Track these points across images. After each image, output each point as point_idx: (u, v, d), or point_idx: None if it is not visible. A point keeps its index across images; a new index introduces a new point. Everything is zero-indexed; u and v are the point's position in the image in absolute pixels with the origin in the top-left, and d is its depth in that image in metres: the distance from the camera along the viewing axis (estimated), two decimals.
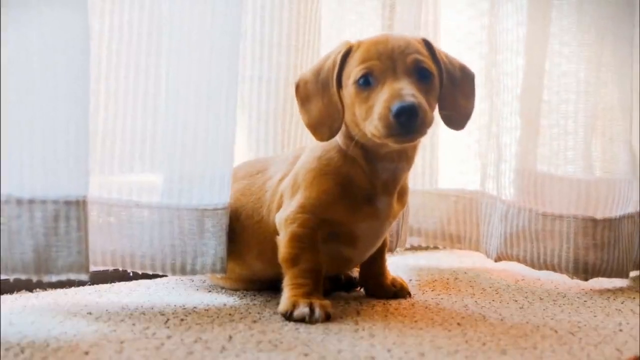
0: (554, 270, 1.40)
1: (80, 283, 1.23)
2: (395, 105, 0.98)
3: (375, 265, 1.23)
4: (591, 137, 1.42)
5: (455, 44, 1.60)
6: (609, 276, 1.39)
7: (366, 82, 1.04)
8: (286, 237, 1.09)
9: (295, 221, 1.09)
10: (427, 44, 1.10)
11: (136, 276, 1.27)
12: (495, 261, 1.46)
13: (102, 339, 0.93)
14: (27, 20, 0.97)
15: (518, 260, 1.43)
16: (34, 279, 0.99)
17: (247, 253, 1.18)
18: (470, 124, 1.54)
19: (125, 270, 1.19)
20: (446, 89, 1.09)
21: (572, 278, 1.39)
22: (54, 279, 0.99)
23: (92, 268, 1.19)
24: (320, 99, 1.09)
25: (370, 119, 1.02)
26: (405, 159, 1.11)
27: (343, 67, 1.08)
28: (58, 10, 0.98)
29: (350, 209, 1.10)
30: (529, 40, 1.43)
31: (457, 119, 1.12)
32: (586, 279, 1.38)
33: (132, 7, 1.14)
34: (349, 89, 1.06)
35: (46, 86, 0.98)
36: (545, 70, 1.43)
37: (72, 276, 1.00)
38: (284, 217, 1.10)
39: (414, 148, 1.12)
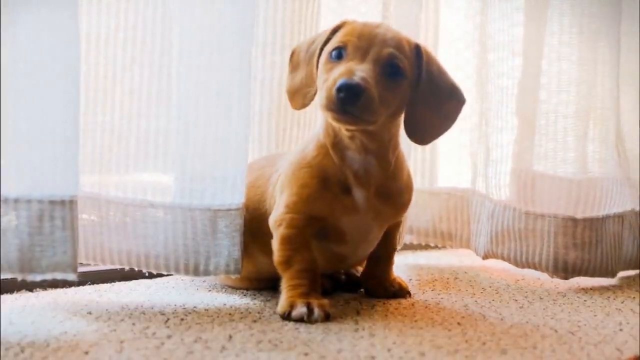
0: (535, 268, 1.41)
1: (80, 283, 1.23)
2: (340, 81, 0.99)
3: (379, 266, 1.23)
4: (582, 137, 1.43)
5: (455, 42, 1.60)
6: (592, 275, 1.39)
7: (338, 55, 1.05)
8: (277, 240, 1.10)
9: (282, 223, 1.10)
10: (417, 50, 1.09)
11: (136, 276, 1.27)
12: (483, 259, 1.47)
13: (102, 338, 0.93)
14: (15, 21, 0.97)
15: (503, 258, 1.44)
16: (19, 278, 0.98)
17: (253, 245, 1.18)
18: (464, 123, 1.56)
19: (125, 270, 1.19)
20: (421, 99, 1.08)
21: (552, 277, 1.40)
22: (38, 278, 0.99)
23: (108, 267, 1.21)
24: (304, 68, 1.12)
25: (321, 89, 1.04)
26: (372, 153, 1.10)
27: (330, 40, 1.09)
28: (47, 11, 0.98)
29: (330, 202, 1.09)
30: (525, 40, 1.43)
31: (420, 132, 1.11)
32: (566, 278, 1.39)
33: (146, 7, 1.14)
34: (322, 58, 1.08)
35: (34, 86, 0.98)
36: (541, 70, 1.43)
37: (58, 276, 0.99)
38: (274, 219, 1.11)
39: (380, 144, 1.10)
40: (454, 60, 1.58)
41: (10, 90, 0.97)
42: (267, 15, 1.34)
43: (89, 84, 1.14)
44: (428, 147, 1.58)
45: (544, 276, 1.45)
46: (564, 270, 1.38)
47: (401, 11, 1.44)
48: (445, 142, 1.61)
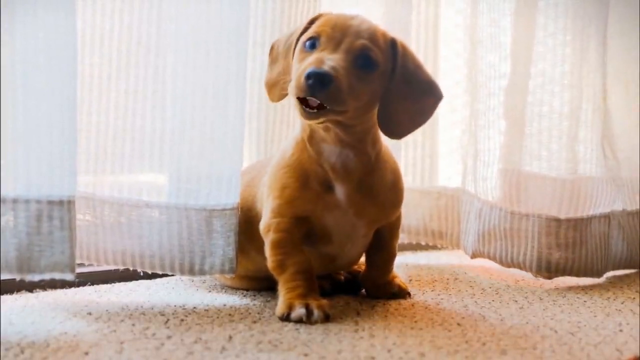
0: (519, 268, 1.42)
1: (80, 283, 1.23)
2: (309, 69, 0.99)
3: (378, 268, 1.22)
4: (568, 137, 1.44)
5: (455, 44, 1.59)
6: (577, 275, 1.41)
7: (312, 45, 1.05)
8: (268, 245, 1.11)
9: (270, 228, 1.10)
10: (393, 44, 1.09)
11: (136, 276, 1.27)
12: (471, 258, 1.48)
13: (102, 339, 0.93)
14: (12, 21, 0.97)
15: (489, 257, 1.45)
16: (17, 277, 0.98)
17: (250, 246, 1.18)
18: (460, 124, 1.56)
19: (125, 270, 1.19)
20: (395, 92, 1.08)
21: (536, 277, 1.41)
22: (36, 278, 0.99)
23: (108, 267, 1.21)
24: (282, 61, 1.12)
25: (293, 78, 1.03)
26: (348, 145, 1.09)
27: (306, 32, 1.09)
28: (44, 11, 0.98)
29: (312, 200, 1.09)
30: (514, 42, 1.45)
31: (392, 126, 1.10)
32: (550, 278, 1.40)
33: (141, 7, 1.14)
34: (297, 48, 1.08)
35: (32, 86, 0.98)
36: (529, 72, 1.44)
37: (57, 275, 1.00)
38: (263, 225, 1.12)
39: (356, 137, 1.09)
40: (454, 62, 1.58)
41: (8, 90, 0.97)
42: (257, 15, 1.34)
43: (84, 84, 1.14)
44: (420, 145, 1.58)
45: None
46: (548, 269, 1.40)
47: (394, 11, 1.44)
48: (443, 142, 1.61)
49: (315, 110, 1.00)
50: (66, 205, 1.00)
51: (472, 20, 1.50)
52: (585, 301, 1.25)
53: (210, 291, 1.24)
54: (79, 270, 1.09)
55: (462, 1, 1.56)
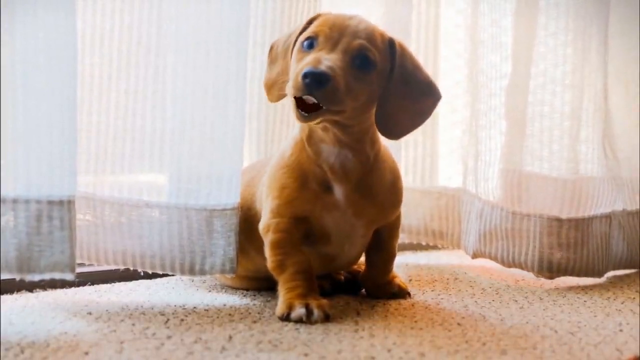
0: (521, 268, 1.42)
1: (80, 283, 1.23)
2: (306, 68, 0.99)
3: (378, 268, 1.22)
4: (570, 137, 1.44)
5: (455, 44, 1.60)
6: (578, 275, 1.41)
7: (309, 45, 1.05)
8: (268, 246, 1.11)
9: (270, 228, 1.10)
10: (391, 44, 1.09)
11: (136, 276, 1.27)
12: (472, 258, 1.48)
13: (102, 339, 0.93)
14: (12, 21, 0.97)
15: (490, 257, 1.45)
16: (17, 277, 0.98)
17: (250, 245, 1.18)
18: (461, 125, 1.56)
19: (125, 270, 1.19)
20: (393, 93, 1.07)
21: (537, 277, 1.41)
22: (36, 278, 0.99)
23: (108, 267, 1.21)
24: (281, 61, 1.12)
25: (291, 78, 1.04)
26: (347, 145, 1.09)
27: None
28: (44, 11, 0.98)
29: (310, 200, 1.09)
30: (515, 42, 1.45)
31: (390, 126, 1.10)
32: (551, 278, 1.41)
33: (141, 7, 1.14)
34: (295, 48, 1.08)
35: (32, 86, 0.98)
36: (530, 72, 1.45)
37: (57, 275, 0.99)
38: (262, 226, 1.12)
39: (354, 137, 1.09)
40: (455, 62, 1.58)
41: (8, 90, 0.97)
42: (257, 15, 1.34)
43: (84, 84, 1.14)
44: (420, 145, 1.58)
45: None
46: (549, 269, 1.40)
47: (394, 14, 1.45)
48: (443, 142, 1.61)
49: (309, 114, 1.01)
50: (66, 205, 1.01)
51: (473, 21, 1.50)
52: (585, 301, 1.25)
53: (210, 291, 1.24)
54: (79, 270, 1.09)
55: (463, 1, 1.55)
